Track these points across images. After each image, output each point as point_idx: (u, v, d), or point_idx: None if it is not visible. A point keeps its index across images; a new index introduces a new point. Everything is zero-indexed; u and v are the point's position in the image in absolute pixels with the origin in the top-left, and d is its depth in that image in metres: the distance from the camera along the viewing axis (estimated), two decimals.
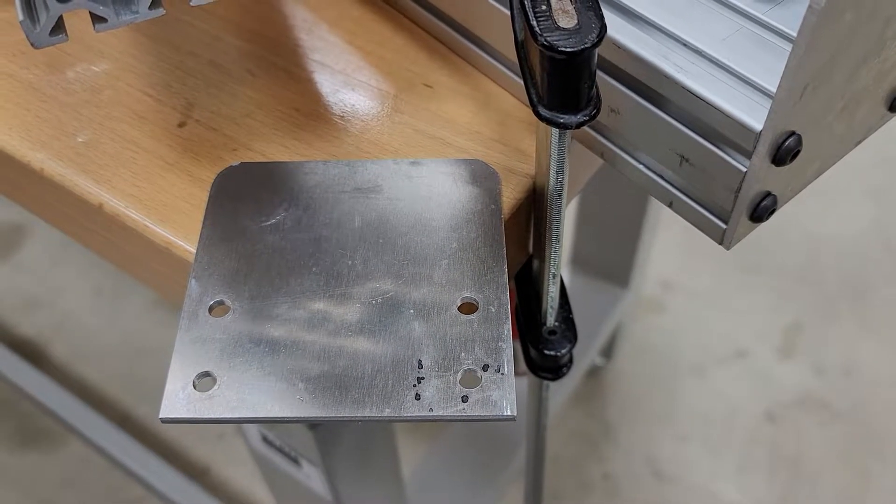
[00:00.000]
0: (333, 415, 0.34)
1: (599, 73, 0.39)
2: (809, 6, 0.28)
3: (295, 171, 0.43)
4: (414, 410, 0.34)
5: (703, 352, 1.37)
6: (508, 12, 0.38)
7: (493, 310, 0.37)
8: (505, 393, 0.34)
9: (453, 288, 0.38)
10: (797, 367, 1.35)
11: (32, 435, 1.29)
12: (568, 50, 0.31)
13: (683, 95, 0.36)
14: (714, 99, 0.35)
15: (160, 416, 0.34)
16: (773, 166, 0.35)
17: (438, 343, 0.36)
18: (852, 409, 1.30)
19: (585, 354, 1.17)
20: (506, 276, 0.38)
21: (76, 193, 0.44)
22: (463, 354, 0.35)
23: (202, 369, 0.35)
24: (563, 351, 0.47)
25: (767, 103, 0.35)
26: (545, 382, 0.55)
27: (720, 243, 0.39)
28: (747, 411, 1.30)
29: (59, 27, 0.34)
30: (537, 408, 0.59)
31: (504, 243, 0.39)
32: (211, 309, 0.37)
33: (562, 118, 0.34)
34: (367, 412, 0.34)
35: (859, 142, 0.41)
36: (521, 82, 0.36)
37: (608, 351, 1.33)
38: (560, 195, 0.39)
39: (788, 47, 0.37)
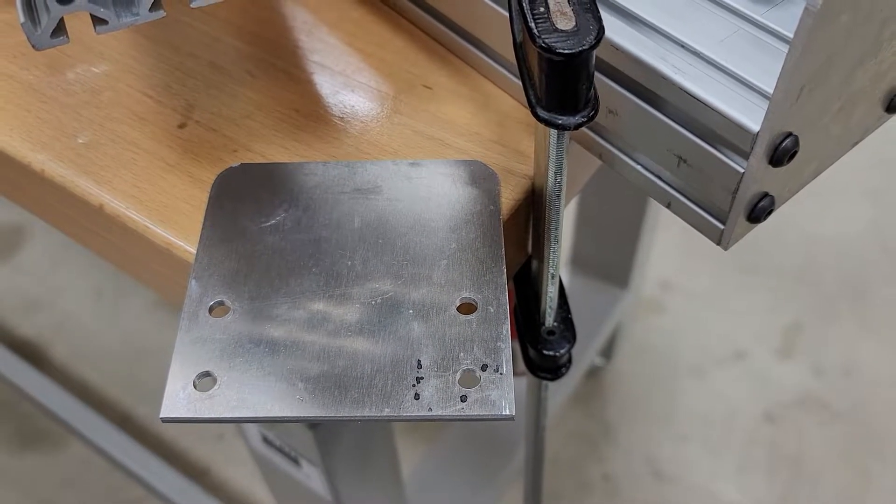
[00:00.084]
0: (333, 414, 0.34)
1: (597, 75, 0.39)
2: (805, 8, 0.29)
3: (295, 172, 0.43)
4: (413, 410, 0.34)
5: (702, 352, 1.37)
6: (507, 14, 0.38)
7: (492, 310, 0.37)
8: (504, 392, 0.34)
9: (452, 288, 0.38)
10: (796, 368, 1.35)
11: (33, 436, 1.29)
12: (566, 52, 0.31)
13: (681, 97, 0.36)
14: (711, 100, 0.35)
15: (161, 415, 0.34)
16: (770, 167, 0.35)
17: (437, 343, 0.36)
18: (852, 410, 1.30)
19: (585, 355, 1.18)
20: (504, 276, 0.38)
21: (77, 194, 0.44)
22: (462, 354, 0.35)
23: (202, 369, 0.35)
24: (562, 351, 0.47)
25: (765, 104, 0.35)
26: (544, 383, 0.55)
27: (718, 244, 0.39)
28: (747, 412, 1.31)
29: (60, 29, 0.34)
30: (536, 408, 0.59)
31: (503, 244, 0.39)
32: (211, 309, 0.37)
33: (560, 119, 0.34)
34: (366, 412, 0.34)
35: (856, 143, 0.41)
36: (520, 84, 0.36)
37: (607, 351, 1.34)
38: (559, 196, 0.39)
39: (785, 49, 0.37)
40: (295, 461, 0.61)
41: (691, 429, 1.29)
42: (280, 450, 0.61)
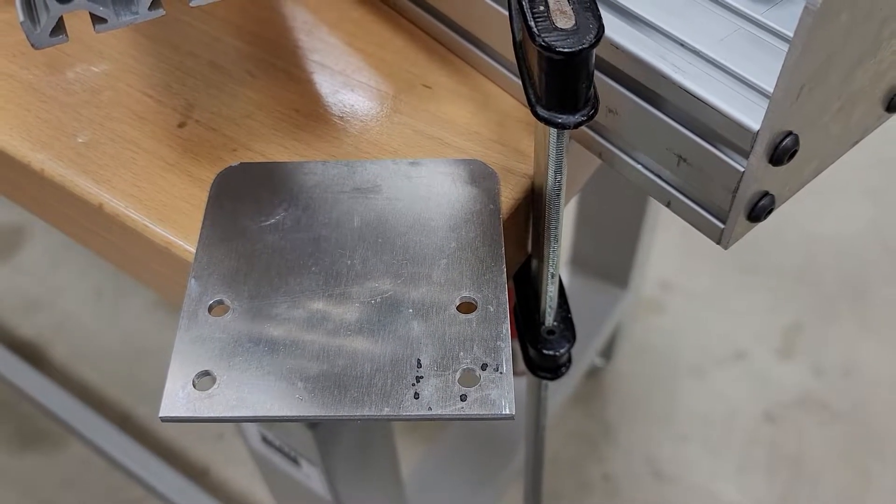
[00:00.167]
0: (332, 414, 0.34)
1: (597, 74, 0.39)
2: (805, 7, 0.29)
3: (294, 172, 0.43)
4: (413, 409, 0.34)
5: (702, 352, 1.37)
6: (507, 13, 0.38)
7: (492, 309, 0.37)
8: (504, 392, 0.34)
9: (452, 287, 0.38)
10: (796, 368, 1.35)
11: (32, 436, 1.29)
12: (566, 50, 0.31)
13: (681, 95, 0.36)
14: (711, 99, 0.35)
15: (160, 414, 0.34)
16: (770, 166, 0.35)
17: (437, 342, 0.36)
18: (852, 410, 1.30)
19: (584, 355, 1.18)
20: (504, 275, 0.38)
21: (76, 194, 0.44)
22: (462, 353, 0.35)
23: (202, 368, 0.35)
24: (562, 351, 0.47)
25: (765, 103, 0.35)
26: (544, 382, 0.55)
27: (718, 243, 0.39)
28: (747, 412, 1.31)
29: (59, 28, 0.34)
30: (536, 408, 0.59)
31: (503, 243, 0.39)
32: (210, 308, 0.37)
33: (560, 118, 0.34)
34: (366, 411, 0.34)
35: (856, 142, 0.41)
36: (520, 83, 0.36)
37: (607, 351, 1.34)
38: (558, 195, 0.39)
39: (785, 48, 0.37)
40: (294, 461, 0.61)
41: (691, 429, 1.29)
42: (280, 450, 0.61)
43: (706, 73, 0.37)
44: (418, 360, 0.35)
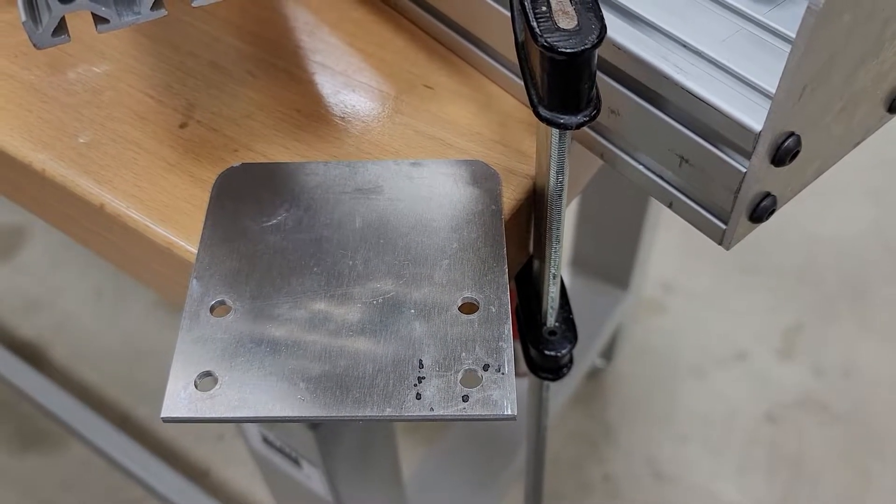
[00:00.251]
0: (334, 414, 0.34)
1: (599, 74, 0.39)
2: (808, 7, 0.29)
3: (296, 172, 0.43)
4: (415, 410, 0.34)
5: (702, 353, 1.37)
6: (508, 14, 0.38)
7: (494, 310, 0.37)
8: (506, 392, 0.34)
9: (454, 288, 0.38)
10: (797, 368, 1.35)
11: (32, 436, 1.29)
12: (568, 51, 0.31)
13: (683, 96, 0.36)
14: (713, 100, 0.35)
15: (162, 415, 0.34)
16: (772, 167, 0.35)
17: (439, 343, 0.36)
18: (852, 410, 1.30)
19: (585, 356, 1.17)
20: (506, 276, 0.38)
21: (77, 194, 0.44)
22: (463, 354, 0.35)
23: (203, 369, 0.35)
24: (564, 351, 0.47)
25: (767, 104, 0.35)
26: (545, 383, 0.55)
27: (720, 244, 0.39)
28: (747, 412, 1.31)
29: (61, 28, 0.34)
30: (538, 408, 0.59)
31: (504, 244, 0.39)
32: (212, 309, 0.37)
33: (562, 119, 0.34)
34: (368, 412, 0.34)
35: (858, 143, 0.41)
36: (522, 83, 0.36)
37: (608, 352, 1.33)
38: (560, 196, 0.39)
39: (787, 48, 0.37)
40: (295, 462, 0.61)
41: (691, 429, 1.29)
42: (280, 450, 0.61)
43: (708, 74, 0.37)
44: (420, 361, 0.35)
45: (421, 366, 0.35)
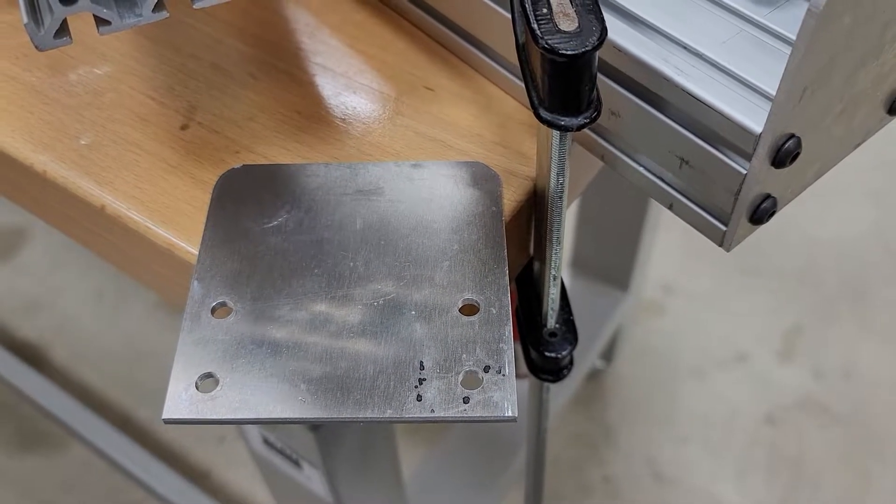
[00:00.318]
0: (335, 416, 0.34)
1: (600, 76, 0.39)
2: (808, 9, 0.29)
3: (297, 174, 0.43)
4: (416, 411, 0.34)
5: (703, 354, 1.37)
6: (509, 15, 0.38)
7: (494, 311, 0.37)
8: (506, 394, 0.34)
9: (454, 290, 0.38)
10: (797, 370, 1.35)
11: (33, 438, 1.29)
12: (569, 53, 0.31)
13: (683, 98, 0.36)
14: (714, 101, 0.35)
15: (163, 416, 0.34)
16: (772, 168, 0.35)
17: (440, 344, 0.36)
18: (852, 412, 1.30)
19: (586, 357, 1.17)
20: (507, 277, 0.38)
21: (79, 196, 0.44)
22: (464, 356, 0.35)
23: (205, 370, 0.35)
24: (564, 353, 0.47)
25: (767, 106, 0.35)
26: (546, 384, 0.55)
27: (720, 245, 0.39)
28: (747, 414, 1.31)
29: (63, 30, 0.34)
30: (538, 410, 0.59)
31: (505, 245, 0.39)
32: (213, 310, 0.37)
33: (563, 120, 0.34)
34: (368, 413, 0.34)
35: (858, 144, 0.41)
36: (522, 85, 0.36)
37: (608, 354, 1.34)
38: (561, 197, 0.39)
39: (788, 50, 0.38)
40: (296, 463, 0.61)
41: (692, 431, 1.29)
42: (281, 452, 0.61)
43: (708, 76, 0.37)
44: (421, 363, 0.35)
45: (422, 367, 0.35)
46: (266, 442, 0.62)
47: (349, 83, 0.48)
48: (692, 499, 1.23)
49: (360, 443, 0.60)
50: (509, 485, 1.09)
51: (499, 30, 0.44)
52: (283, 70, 0.49)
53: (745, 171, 0.35)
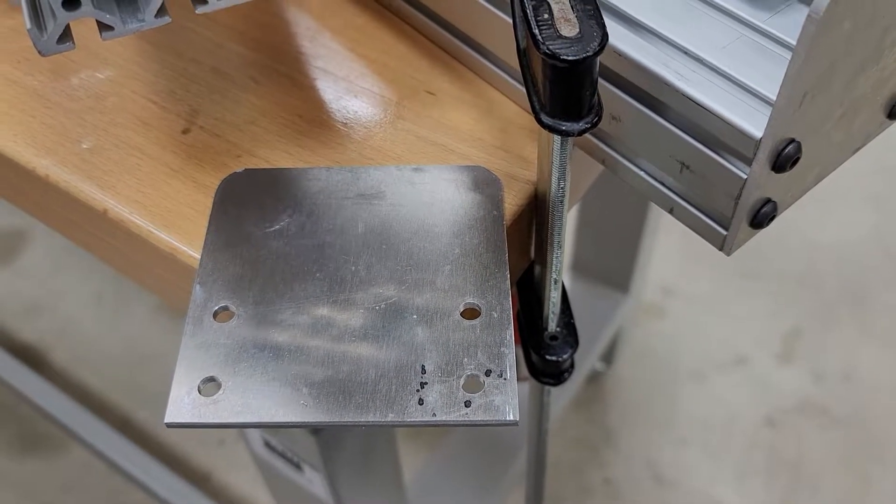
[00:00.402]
0: (337, 420, 0.34)
1: (601, 81, 0.39)
2: (808, 15, 0.29)
3: (299, 178, 0.43)
4: (417, 415, 0.34)
5: (702, 357, 1.37)
6: (510, 20, 0.38)
7: (496, 315, 0.37)
8: (508, 398, 0.34)
9: (456, 293, 0.38)
10: (796, 373, 1.35)
11: (33, 440, 1.29)
12: (570, 58, 0.31)
13: (684, 103, 0.37)
14: (714, 106, 0.36)
15: (165, 420, 0.34)
16: (772, 173, 0.35)
17: (441, 348, 0.36)
18: (852, 415, 1.30)
19: (586, 360, 1.18)
20: (508, 281, 0.38)
21: (81, 199, 0.44)
22: (466, 360, 0.35)
23: (207, 374, 0.35)
24: (565, 356, 0.47)
25: (767, 110, 0.35)
26: (547, 388, 0.55)
27: (721, 249, 0.39)
28: (747, 416, 1.31)
29: (66, 35, 0.34)
30: (539, 413, 0.59)
31: (506, 249, 0.40)
32: (216, 314, 0.37)
33: (564, 126, 0.34)
34: (370, 417, 0.34)
35: (858, 149, 0.41)
36: (523, 89, 0.36)
37: (608, 356, 1.34)
38: (562, 201, 0.39)
39: (788, 55, 0.38)
40: (297, 466, 0.61)
41: (691, 433, 1.29)
42: (282, 455, 0.61)
43: (709, 81, 0.37)
44: (422, 367, 0.35)
45: (423, 371, 0.35)
46: (267, 445, 0.62)
47: (350, 87, 0.48)
48: (692, 501, 1.23)
49: (362, 446, 0.60)
50: (510, 488, 1.09)
51: (500, 34, 0.44)
52: (284, 74, 0.49)
53: (745, 176, 0.35)
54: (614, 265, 1.19)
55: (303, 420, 0.34)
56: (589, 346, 1.17)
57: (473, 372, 0.35)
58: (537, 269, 0.46)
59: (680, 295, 1.44)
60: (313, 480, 0.60)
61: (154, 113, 0.47)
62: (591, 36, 0.32)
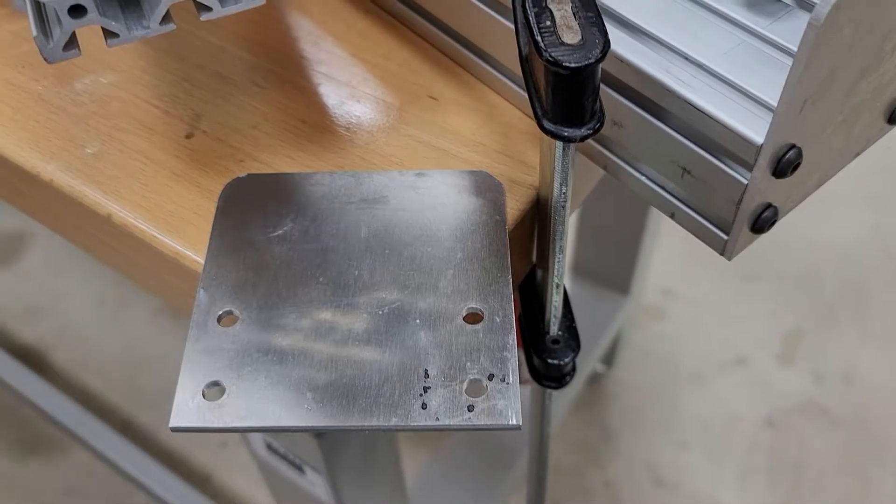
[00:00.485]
0: (341, 424, 0.34)
1: (602, 87, 0.40)
2: (809, 22, 0.29)
3: (302, 183, 0.43)
4: (421, 419, 0.34)
5: (703, 358, 1.37)
6: (512, 26, 0.38)
7: (498, 320, 0.37)
8: (510, 402, 0.34)
9: (459, 298, 0.38)
10: (797, 374, 1.35)
11: (35, 442, 1.29)
12: (572, 65, 0.32)
13: (685, 108, 0.37)
14: (715, 112, 0.36)
15: (170, 424, 0.34)
16: (773, 178, 0.36)
17: (444, 353, 0.36)
18: (852, 416, 1.31)
19: (586, 361, 1.18)
20: (510, 286, 0.39)
21: (85, 204, 0.44)
22: (469, 364, 0.36)
23: (211, 379, 0.35)
24: (567, 360, 0.47)
25: (768, 116, 0.35)
26: (548, 391, 0.56)
27: (722, 254, 0.40)
28: (747, 418, 1.31)
29: (71, 42, 0.35)
30: (540, 416, 0.60)
31: (508, 254, 0.40)
32: (219, 319, 0.38)
33: (566, 132, 0.34)
34: (374, 421, 0.34)
35: (858, 153, 0.41)
36: (525, 94, 0.36)
37: (609, 358, 1.34)
38: (564, 206, 0.39)
39: (788, 61, 0.38)
40: (299, 468, 0.61)
41: (692, 435, 1.29)
42: (284, 457, 0.62)
43: (710, 87, 0.37)
44: (426, 371, 0.35)
45: (426, 375, 0.35)
46: (269, 447, 0.62)
47: (353, 92, 0.49)
48: (692, 503, 1.23)
49: (363, 448, 0.60)
50: (511, 490, 1.09)
51: (501, 40, 0.44)
52: (287, 79, 0.49)
53: (746, 182, 0.36)
54: (615, 266, 1.20)
55: (307, 424, 0.34)
56: (589, 347, 1.17)
57: (476, 376, 0.35)
58: (539, 273, 0.46)
59: (680, 296, 1.45)
60: (315, 483, 0.60)
61: (157, 117, 0.47)
62: (593, 43, 0.32)
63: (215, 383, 0.35)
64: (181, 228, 0.42)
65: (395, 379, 0.35)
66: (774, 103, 0.34)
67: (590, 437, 1.30)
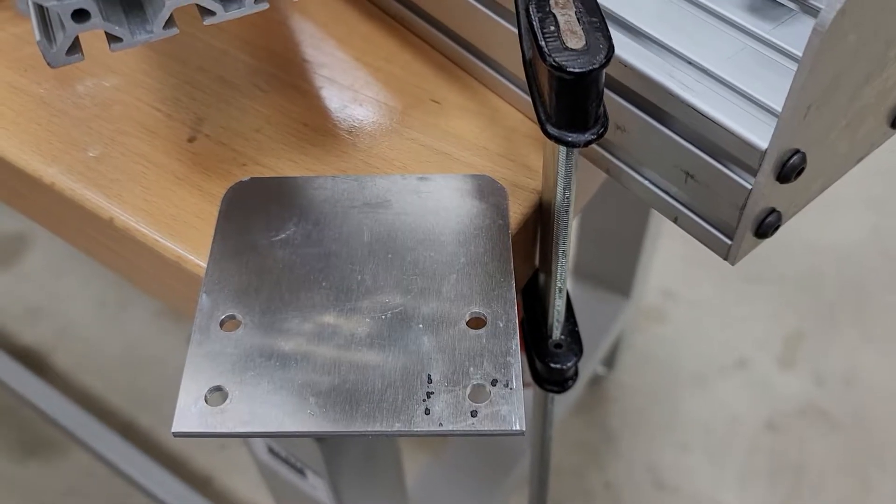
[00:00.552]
0: (344, 429, 0.34)
1: (606, 91, 0.40)
2: (814, 28, 0.29)
3: (304, 186, 0.43)
4: (424, 425, 0.34)
5: (704, 361, 1.37)
6: (515, 31, 0.38)
7: (502, 325, 0.37)
8: (514, 407, 0.34)
9: (462, 302, 0.38)
10: (798, 376, 1.35)
11: (35, 444, 1.29)
12: (576, 70, 0.32)
13: (689, 113, 0.37)
14: (719, 117, 0.36)
15: (173, 430, 0.34)
16: (777, 183, 0.36)
17: (447, 358, 0.36)
18: (853, 418, 1.30)
19: (587, 364, 1.18)
20: (514, 291, 0.38)
21: (87, 208, 0.44)
22: (472, 369, 0.36)
23: (214, 384, 0.35)
24: (569, 364, 0.47)
25: (772, 121, 0.35)
26: (550, 395, 0.56)
27: (725, 258, 0.40)
28: (748, 420, 1.31)
29: (75, 47, 0.35)
30: (542, 419, 0.59)
31: (511, 258, 0.40)
32: (222, 323, 0.38)
33: (570, 137, 0.34)
34: (377, 427, 0.34)
35: (861, 158, 0.41)
36: (528, 98, 0.36)
37: (610, 360, 1.34)
38: (567, 211, 0.39)
39: (792, 65, 0.38)
40: (300, 472, 0.61)
41: (692, 437, 1.29)
42: (286, 461, 0.62)
43: (714, 92, 0.37)
44: (429, 376, 0.35)
45: (429, 381, 0.35)
46: (271, 451, 0.62)
47: (356, 96, 0.48)
48: None
49: (365, 452, 0.60)
50: (511, 492, 1.09)
51: (504, 44, 0.44)
52: (289, 82, 0.49)
53: (750, 187, 0.36)
54: (616, 269, 1.20)
55: (310, 430, 0.34)
56: (590, 350, 1.17)
57: (479, 381, 0.35)
58: (542, 277, 0.46)
59: (681, 298, 1.44)
60: (316, 486, 0.60)
61: (160, 121, 0.47)
62: (597, 48, 0.32)
63: (218, 388, 0.35)
64: (183, 232, 0.42)
65: (398, 384, 0.35)
66: (778, 108, 0.34)
67: (590, 438, 1.30)
